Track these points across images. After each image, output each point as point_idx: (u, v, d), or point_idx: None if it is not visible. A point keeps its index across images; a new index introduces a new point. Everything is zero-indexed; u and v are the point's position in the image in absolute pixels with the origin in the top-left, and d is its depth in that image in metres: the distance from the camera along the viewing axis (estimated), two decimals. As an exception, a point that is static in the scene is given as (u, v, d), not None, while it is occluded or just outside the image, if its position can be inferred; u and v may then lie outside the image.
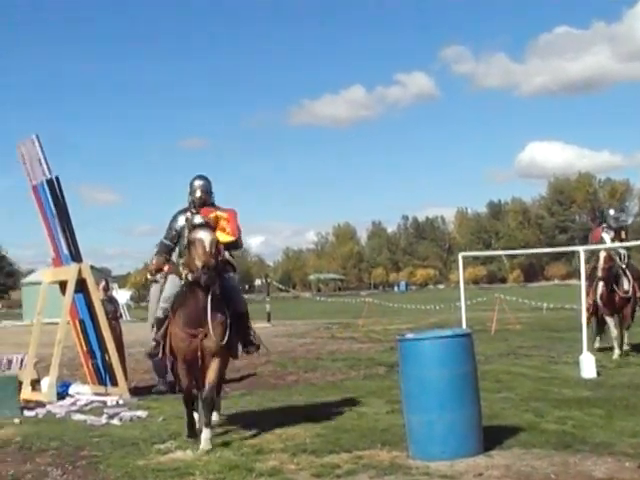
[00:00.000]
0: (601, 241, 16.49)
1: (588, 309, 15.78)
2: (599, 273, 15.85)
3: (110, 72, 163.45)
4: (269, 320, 34.16)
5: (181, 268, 9.08)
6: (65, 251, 13.38)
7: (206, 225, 8.76)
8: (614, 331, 15.85)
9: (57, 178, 13.18)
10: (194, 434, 9.01)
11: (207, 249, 8.41)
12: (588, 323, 15.96)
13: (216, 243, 8.65)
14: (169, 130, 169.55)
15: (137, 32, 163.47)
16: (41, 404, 12.06)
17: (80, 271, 12.98)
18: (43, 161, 13.19)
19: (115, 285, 41.05)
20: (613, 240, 16.50)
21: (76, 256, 13.20)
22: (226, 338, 8.83)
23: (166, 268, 10.08)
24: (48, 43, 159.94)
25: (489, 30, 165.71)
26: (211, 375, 8.95)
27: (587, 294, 15.80)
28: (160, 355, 9.34)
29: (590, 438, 7.99)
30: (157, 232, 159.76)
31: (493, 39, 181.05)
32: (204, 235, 8.54)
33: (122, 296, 52.24)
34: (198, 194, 9.79)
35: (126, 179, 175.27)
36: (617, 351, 15.62)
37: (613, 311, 16.04)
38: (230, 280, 9.42)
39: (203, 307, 8.61)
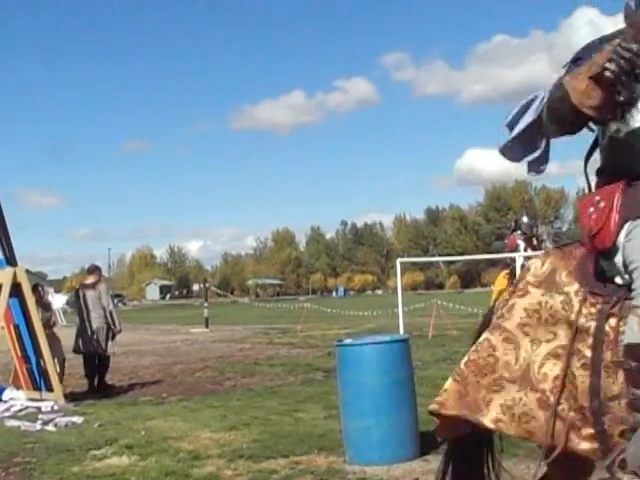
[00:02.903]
0: (517, 248, 17.07)
1: None
2: None
3: (51, 73, 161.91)
4: (207, 325, 34.04)
5: None
6: (0, 255, 13.20)
7: None
8: None
9: (-9, 181, 12.99)
10: None
11: None
12: None
13: None
14: (110, 133, 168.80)
15: (80, 34, 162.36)
16: (-26, 410, 11.85)
17: (15, 275, 12.80)
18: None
19: (51, 289, 40.57)
20: (525, 248, 17.13)
21: (11, 260, 13.03)
22: None
23: None
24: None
25: (428, 38, 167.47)
26: None
27: None
28: None
29: (524, 442, 8.09)
30: (96, 236, 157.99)
31: (433, 46, 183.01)
32: None
33: (58, 300, 51.58)
34: None
35: (65, 182, 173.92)
36: None
37: None
38: None
39: None
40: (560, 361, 3.37)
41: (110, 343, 14.56)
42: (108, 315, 14.53)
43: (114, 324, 14.80)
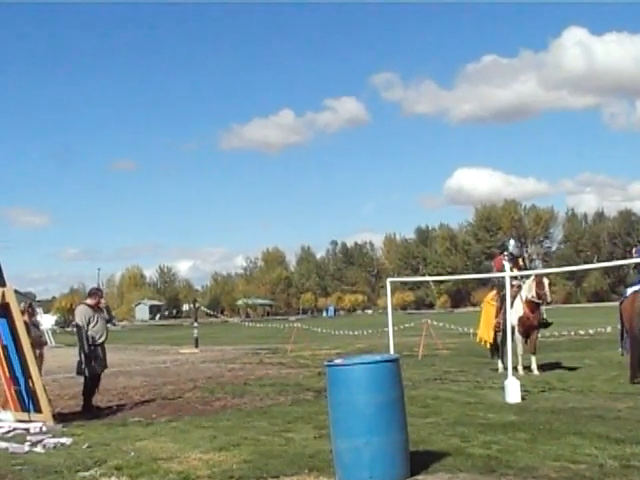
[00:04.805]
0: (503, 268, 17.40)
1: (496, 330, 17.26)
2: (549, 298, 17.21)
3: (40, 92, 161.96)
4: (197, 346, 33.93)
5: None
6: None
7: None
8: (521, 349, 16.98)
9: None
10: None
11: None
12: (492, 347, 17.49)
13: None
14: (99, 152, 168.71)
15: (67, 53, 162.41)
16: (-38, 431, 11.76)
17: (3, 295, 12.73)
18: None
19: (40, 310, 40.48)
20: (512, 268, 17.46)
21: (-1, 280, 12.96)
22: None
23: None
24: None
25: (418, 57, 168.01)
26: None
27: (496, 316, 17.05)
28: None
29: (514, 462, 8.09)
30: (85, 256, 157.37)
31: (422, 66, 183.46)
32: None
33: (47, 321, 51.39)
34: None
35: (54, 201, 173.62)
36: (522, 368, 16.62)
37: (526, 334, 17.48)
38: None
39: None
40: None
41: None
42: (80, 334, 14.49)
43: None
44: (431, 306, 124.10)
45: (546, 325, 18.05)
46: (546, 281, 17.30)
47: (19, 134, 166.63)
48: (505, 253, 18.41)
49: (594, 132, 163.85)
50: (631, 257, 16.20)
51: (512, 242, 19.18)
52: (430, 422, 10.84)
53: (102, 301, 15.05)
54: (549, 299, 17.36)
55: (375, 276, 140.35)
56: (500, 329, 17.31)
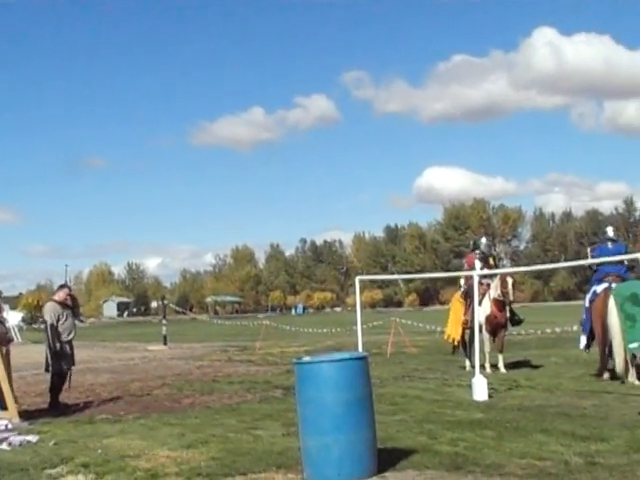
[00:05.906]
0: (474, 267, 17.48)
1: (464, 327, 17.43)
2: (511, 297, 17.09)
3: (9, 88, 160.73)
4: (165, 343, 33.80)
5: None
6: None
7: None
8: (489, 347, 17.09)
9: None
10: None
11: None
12: (459, 344, 17.62)
13: None
14: (68, 149, 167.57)
15: (39, 50, 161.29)
16: None
17: (-30, 292, 12.64)
18: None
19: (6, 306, 40.15)
20: (482, 267, 17.57)
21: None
22: None
23: None
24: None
25: (388, 56, 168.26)
26: None
27: (464, 313, 17.16)
28: None
29: (481, 459, 8.14)
30: (53, 253, 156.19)
31: (393, 65, 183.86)
32: None
33: (13, 317, 50.94)
34: None
35: (21, 198, 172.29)
36: (489, 366, 16.78)
37: (494, 332, 17.69)
38: None
39: None
40: None
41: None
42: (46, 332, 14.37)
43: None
44: (400, 304, 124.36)
45: (518, 322, 18.15)
46: (510, 280, 17.37)
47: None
48: (477, 251, 18.50)
49: (563, 132, 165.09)
50: (594, 256, 16.34)
51: (484, 240, 19.32)
52: (398, 419, 10.89)
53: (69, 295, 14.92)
54: (511, 298, 17.40)
55: (344, 274, 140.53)
56: (468, 326, 17.41)
